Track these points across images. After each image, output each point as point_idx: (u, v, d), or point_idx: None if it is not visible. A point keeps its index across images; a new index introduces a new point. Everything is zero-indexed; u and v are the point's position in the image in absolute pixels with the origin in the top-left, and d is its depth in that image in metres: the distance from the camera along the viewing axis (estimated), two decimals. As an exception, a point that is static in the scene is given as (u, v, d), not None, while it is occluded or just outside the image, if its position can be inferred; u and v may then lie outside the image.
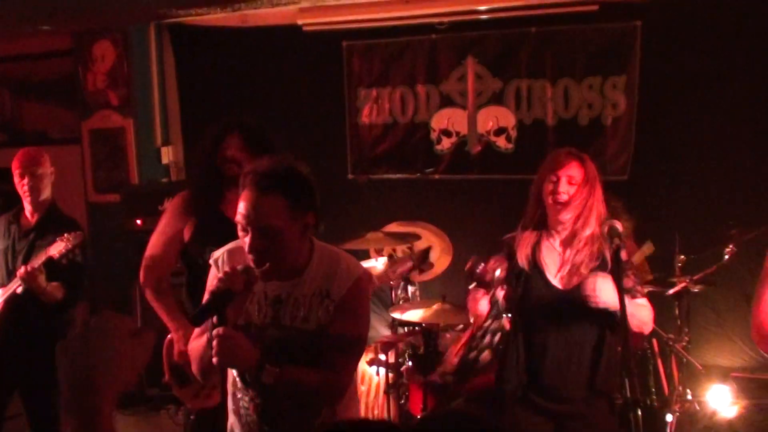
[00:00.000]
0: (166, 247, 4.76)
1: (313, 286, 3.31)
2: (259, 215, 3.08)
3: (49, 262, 5.17)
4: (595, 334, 4.09)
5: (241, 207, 3.13)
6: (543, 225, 4.23)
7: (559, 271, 4.16)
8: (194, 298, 4.60)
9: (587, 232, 4.07)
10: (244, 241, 3.15)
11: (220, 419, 3.71)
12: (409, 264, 5.66)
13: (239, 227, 3.16)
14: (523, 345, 4.21)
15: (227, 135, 4.69)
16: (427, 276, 6.84)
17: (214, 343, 3.01)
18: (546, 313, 4.13)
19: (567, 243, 4.15)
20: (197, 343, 3.33)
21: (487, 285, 3.88)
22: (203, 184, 4.73)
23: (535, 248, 4.20)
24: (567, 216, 4.08)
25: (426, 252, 5.53)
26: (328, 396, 3.32)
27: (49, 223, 5.52)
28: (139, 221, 7.68)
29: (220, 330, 2.99)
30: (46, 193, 5.58)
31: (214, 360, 3.02)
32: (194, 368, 3.39)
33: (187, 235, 4.72)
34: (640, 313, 4.03)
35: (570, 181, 4.04)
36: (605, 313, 3.91)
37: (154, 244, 4.80)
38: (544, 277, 4.17)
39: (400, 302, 6.50)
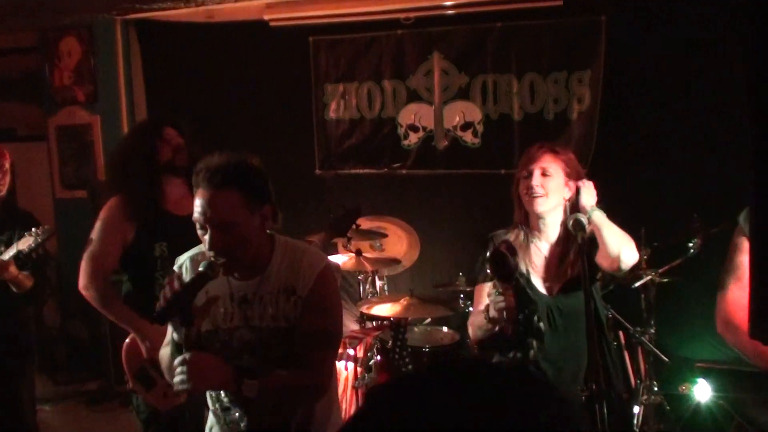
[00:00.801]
0: (110, 250, 4.64)
1: (278, 283, 3.30)
2: (216, 212, 3.08)
3: (17, 256, 5.15)
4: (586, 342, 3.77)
5: (198, 205, 3.12)
6: (529, 227, 4.11)
7: (545, 276, 4.05)
8: (144, 296, 4.57)
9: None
10: (204, 239, 3.15)
11: (188, 415, 3.72)
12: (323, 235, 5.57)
13: (197, 226, 3.16)
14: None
15: (164, 129, 4.69)
16: (395, 270, 6.87)
17: (185, 369, 2.97)
18: (533, 322, 3.95)
19: (556, 246, 4.04)
20: (166, 351, 3.30)
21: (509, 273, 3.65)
22: (146, 183, 4.64)
23: (524, 252, 4.05)
24: (544, 208, 3.96)
25: (350, 214, 5.49)
26: (310, 395, 3.30)
27: (5, 218, 5.48)
28: (106, 217, 7.67)
29: (186, 356, 2.97)
30: (5, 190, 5.55)
31: (188, 386, 2.98)
32: (167, 376, 3.37)
33: (129, 238, 4.63)
34: (617, 235, 3.86)
35: (544, 173, 3.94)
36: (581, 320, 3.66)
37: (96, 248, 4.65)
38: (530, 283, 4.02)
39: (369, 297, 6.53)
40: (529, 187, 3.95)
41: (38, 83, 8.81)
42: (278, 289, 3.30)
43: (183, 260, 3.48)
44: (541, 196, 3.94)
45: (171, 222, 4.58)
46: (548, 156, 3.99)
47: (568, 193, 4.01)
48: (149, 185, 4.63)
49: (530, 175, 3.97)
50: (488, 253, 3.70)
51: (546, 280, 4.06)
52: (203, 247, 3.21)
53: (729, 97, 6.35)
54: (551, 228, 4.05)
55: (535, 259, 4.07)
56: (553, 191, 3.96)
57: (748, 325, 2.31)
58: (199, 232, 3.17)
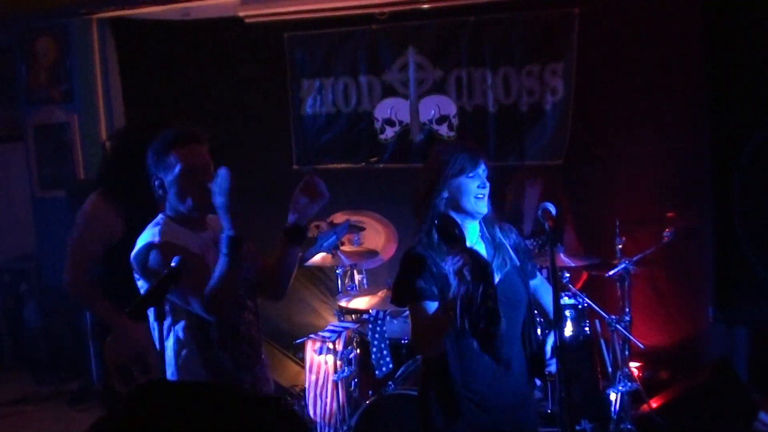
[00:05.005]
0: (95, 245, 4.68)
1: None
2: None
3: None
4: (518, 334, 3.76)
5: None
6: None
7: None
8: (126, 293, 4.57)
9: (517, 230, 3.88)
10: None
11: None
12: None
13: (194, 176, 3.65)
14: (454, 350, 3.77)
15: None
16: (374, 264, 6.91)
17: None
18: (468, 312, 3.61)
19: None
20: None
21: None
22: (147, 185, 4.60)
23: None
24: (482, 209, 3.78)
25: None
26: None
27: None
28: (85, 216, 7.68)
29: None
30: None
31: None
32: None
33: (116, 235, 4.63)
34: None
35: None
36: (522, 308, 3.69)
37: (83, 244, 4.72)
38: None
39: (347, 290, 6.57)
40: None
41: (14, 83, 8.79)
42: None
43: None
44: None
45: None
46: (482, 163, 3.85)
47: None
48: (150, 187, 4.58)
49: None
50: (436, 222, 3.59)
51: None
52: None
53: (701, 89, 6.43)
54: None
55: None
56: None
57: (711, 310, 2.38)
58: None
